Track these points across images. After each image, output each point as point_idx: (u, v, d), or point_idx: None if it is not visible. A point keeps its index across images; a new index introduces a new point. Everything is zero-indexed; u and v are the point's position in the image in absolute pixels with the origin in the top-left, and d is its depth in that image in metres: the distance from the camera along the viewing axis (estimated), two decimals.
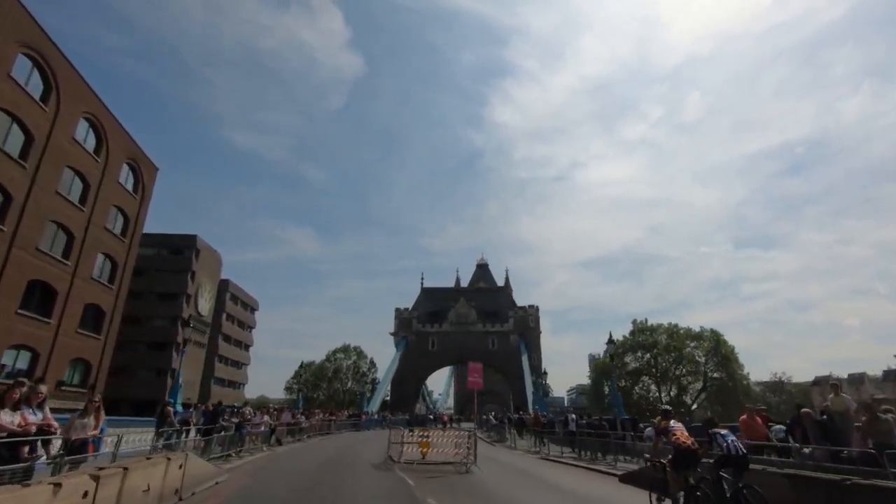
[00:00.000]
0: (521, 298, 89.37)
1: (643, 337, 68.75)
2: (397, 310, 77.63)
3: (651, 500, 8.36)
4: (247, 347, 71.99)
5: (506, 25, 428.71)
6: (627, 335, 71.24)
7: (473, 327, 75.35)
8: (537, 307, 76.07)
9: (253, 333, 73.79)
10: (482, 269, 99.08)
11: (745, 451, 7.15)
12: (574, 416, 20.82)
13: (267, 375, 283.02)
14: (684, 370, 63.91)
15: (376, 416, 47.86)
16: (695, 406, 63.79)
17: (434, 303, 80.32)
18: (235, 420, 16.31)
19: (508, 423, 31.10)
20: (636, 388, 69.40)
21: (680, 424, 7.86)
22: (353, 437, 34.34)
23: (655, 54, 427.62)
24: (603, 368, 69.31)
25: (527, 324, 74.67)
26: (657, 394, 66.70)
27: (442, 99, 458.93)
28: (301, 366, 41.53)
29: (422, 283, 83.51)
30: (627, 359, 70.77)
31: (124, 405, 42.65)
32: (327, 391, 76.22)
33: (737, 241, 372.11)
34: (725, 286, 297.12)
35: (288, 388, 76.83)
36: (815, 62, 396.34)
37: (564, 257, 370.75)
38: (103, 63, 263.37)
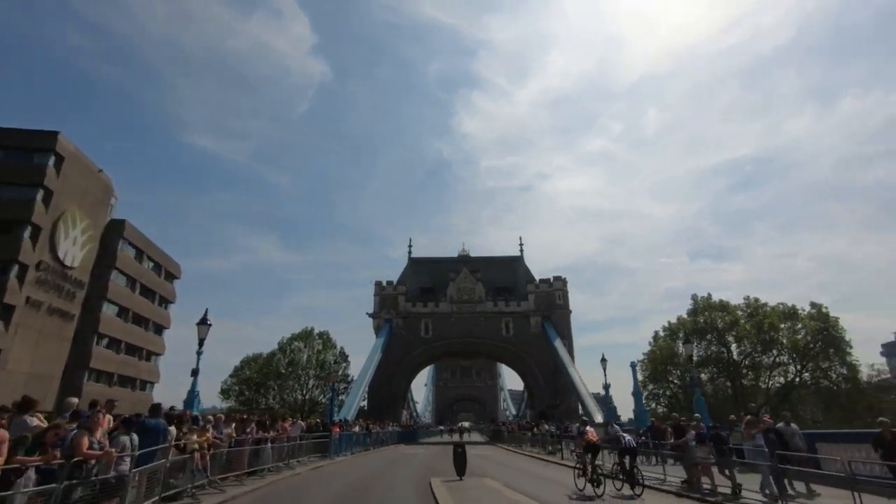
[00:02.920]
0: None
1: (709, 317, 51.35)
2: (378, 284, 57.50)
3: (575, 477, 12.19)
4: (159, 330, 49.69)
5: (475, 38, 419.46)
6: (685, 316, 53.90)
7: (481, 306, 56.09)
8: (565, 279, 57.44)
9: (171, 310, 51.55)
10: None
11: (635, 444, 12.04)
12: None
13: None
14: (785, 358, 46.65)
15: (357, 429, 27.88)
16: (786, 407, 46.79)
17: (427, 276, 60.63)
18: None
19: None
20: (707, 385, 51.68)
21: (591, 429, 12.65)
22: (312, 485, 14.42)
23: (616, 71, 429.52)
24: (655, 364, 51.40)
25: (552, 301, 56.07)
26: (729, 391, 49.24)
27: (410, 108, 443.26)
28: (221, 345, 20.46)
29: (409, 253, 63.77)
30: (684, 349, 53.33)
31: None
32: (279, 394, 55.44)
33: (692, 252, 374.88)
34: (681, 296, 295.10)
35: (225, 391, 55.84)
36: (762, 84, 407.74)
37: (531, 267, 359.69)
38: (70, 63, 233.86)
